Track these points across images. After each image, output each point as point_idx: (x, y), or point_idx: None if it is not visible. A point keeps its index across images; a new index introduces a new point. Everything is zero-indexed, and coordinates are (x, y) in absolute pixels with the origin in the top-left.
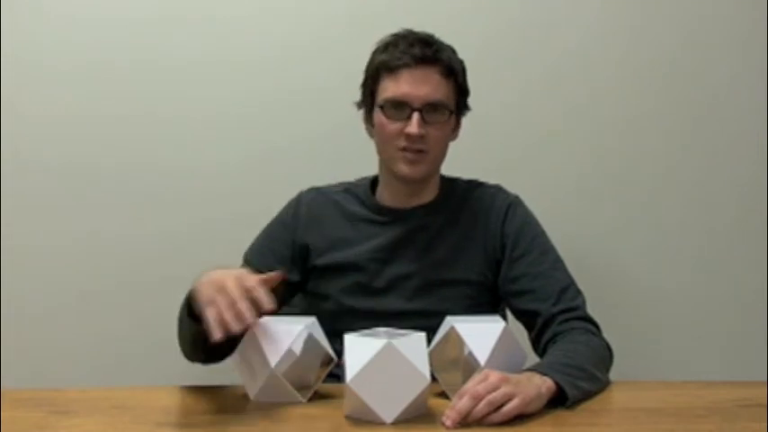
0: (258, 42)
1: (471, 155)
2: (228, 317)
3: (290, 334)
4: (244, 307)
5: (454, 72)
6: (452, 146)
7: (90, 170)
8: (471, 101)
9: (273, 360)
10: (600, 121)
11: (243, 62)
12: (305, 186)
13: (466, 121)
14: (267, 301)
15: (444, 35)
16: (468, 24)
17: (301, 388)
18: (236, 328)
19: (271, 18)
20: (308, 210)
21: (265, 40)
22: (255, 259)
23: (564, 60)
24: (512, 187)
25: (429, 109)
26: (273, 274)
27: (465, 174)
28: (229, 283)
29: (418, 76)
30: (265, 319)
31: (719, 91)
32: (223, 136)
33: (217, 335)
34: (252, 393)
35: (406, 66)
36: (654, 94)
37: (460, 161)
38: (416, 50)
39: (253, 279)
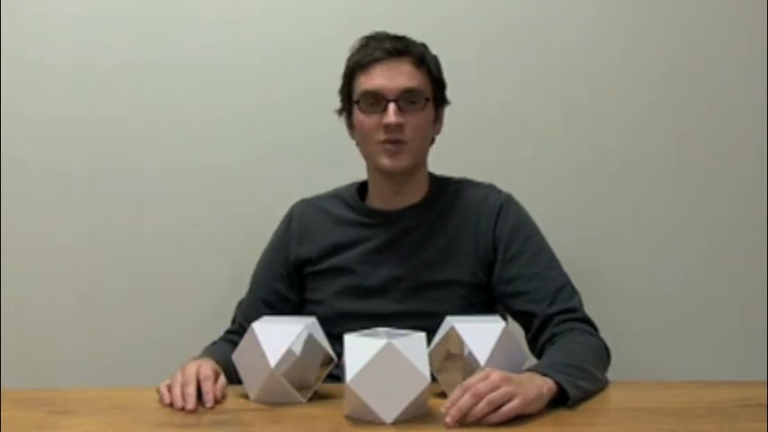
0: (258, 43)
1: (471, 155)
2: (176, 392)
3: (290, 334)
4: (190, 391)
5: (426, 62)
6: (451, 145)
7: (90, 170)
8: (471, 101)
9: (273, 360)
10: (600, 121)
11: (243, 63)
12: (305, 187)
13: (465, 120)
14: (210, 398)
15: (444, 35)
16: (469, 24)
17: (301, 388)
18: (178, 404)
19: (271, 18)
20: (299, 222)
21: (265, 40)
22: (256, 279)
23: (564, 60)
24: (511, 187)
25: (405, 98)
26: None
27: (464, 173)
28: (190, 368)
29: (390, 68)
30: (265, 320)
31: (719, 91)
32: (223, 136)
33: (163, 403)
34: (252, 394)
35: (378, 60)
36: (654, 94)
37: (460, 161)
38: (387, 45)
39: (209, 372)
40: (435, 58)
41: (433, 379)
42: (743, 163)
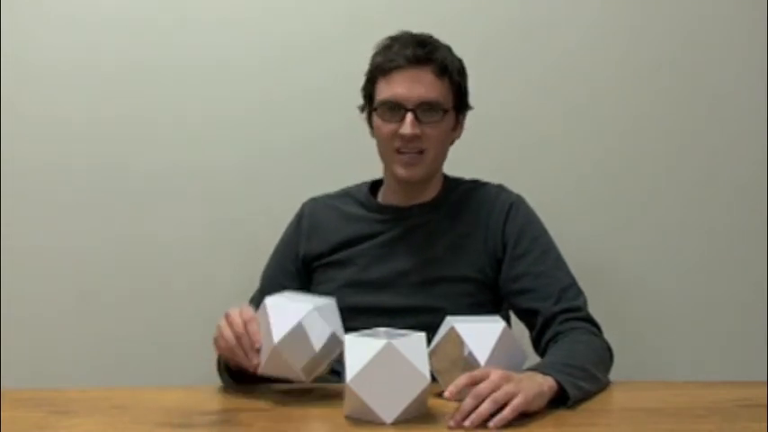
0: (258, 43)
1: (472, 155)
2: (242, 351)
3: (299, 312)
4: (253, 328)
5: (448, 71)
6: (458, 146)
7: (90, 171)
8: (472, 100)
9: (278, 336)
10: (600, 121)
11: (243, 63)
12: (305, 187)
13: (472, 121)
14: (257, 338)
15: (445, 35)
16: (469, 24)
17: (307, 368)
18: (254, 360)
19: (271, 19)
20: (310, 220)
21: (266, 40)
22: (266, 276)
23: (564, 60)
24: (513, 187)
25: (423, 108)
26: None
27: (467, 174)
28: (232, 315)
29: (411, 77)
30: (280, 295)
31: (720, 91)
32: (224, 137)
33: (254, 364)
34: (260, 366)
35: (399, 67)
36: (654, 94)
37: (462, 161)
38: (409, 52)
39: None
40: (459, 63)
41: (433, 379)
42: (743, 163)
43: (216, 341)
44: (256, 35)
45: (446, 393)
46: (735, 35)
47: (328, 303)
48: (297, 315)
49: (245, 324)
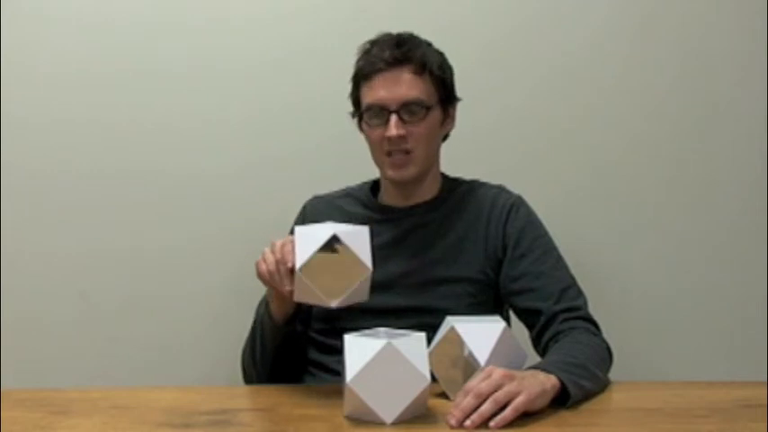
0: (260, 47)
1: (473, 155)
2: (279, 277)
3: (321, 239)
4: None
5: (427, 67)
6: (459, 147)
7: (90, 174)
8: (478, 102)
9: (300, 261)
10: (601, 122)
11: (244, 67)
12: (307, 192)
13: (473, 122)
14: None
15: (450, 37)
16: (477, 25)
17: (332, 294)
18: (288, 287)
19: (273, 23)
20: (312, 218)
21: (267, 44)
22: None
23: (566, 62)
24: (518, 188)
25: (406, 109)
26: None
27: (467, 174)
28: (267, 248)
29: (390, 79)
30: (311, 225)
31: (725, 93)
32: (225, 142)
33: (288, 290)
34: (295, 294)
35: (378, 70)
36: (657, 96)
37: (463, 161)
38: (387, 54)
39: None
40: (440, 58)
41: (433, 379)
42: (744, 164)
43: (258, 266)
44: (258, 39)
45: (452, 421)
46: (743, 37)
47: (358, 230)
48: (318, 241)
49: (282, 246)
